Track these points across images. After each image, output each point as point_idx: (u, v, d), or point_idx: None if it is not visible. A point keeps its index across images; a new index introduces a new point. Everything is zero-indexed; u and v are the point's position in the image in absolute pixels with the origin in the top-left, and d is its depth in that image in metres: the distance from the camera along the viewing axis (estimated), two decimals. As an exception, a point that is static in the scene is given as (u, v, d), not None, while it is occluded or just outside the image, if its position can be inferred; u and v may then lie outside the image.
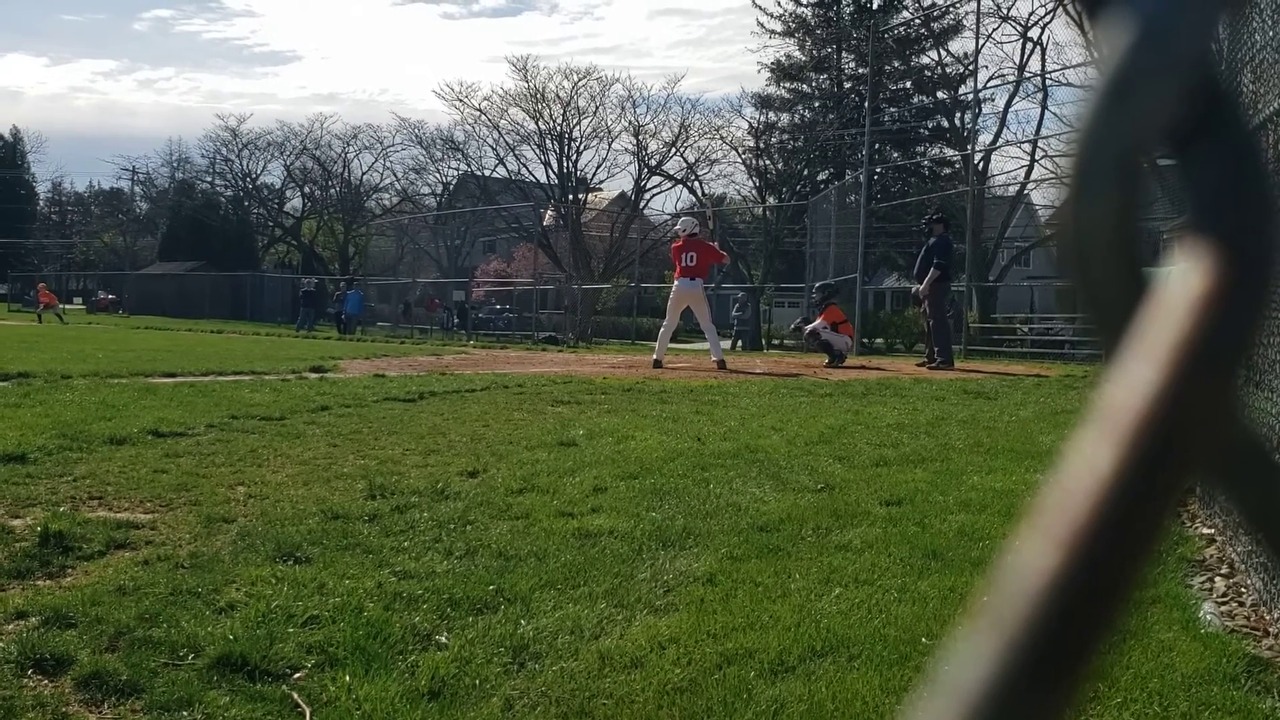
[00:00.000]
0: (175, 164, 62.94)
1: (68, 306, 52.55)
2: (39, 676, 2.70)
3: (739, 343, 31.53)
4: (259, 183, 59.64)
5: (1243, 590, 3.47)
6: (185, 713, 2.50)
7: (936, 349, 14.64)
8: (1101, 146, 0.27)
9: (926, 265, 14.59)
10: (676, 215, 16.98)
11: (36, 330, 25.40)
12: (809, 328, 15.88)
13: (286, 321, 39.57)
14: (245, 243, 58.87)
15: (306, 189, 58.49)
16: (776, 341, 33.91)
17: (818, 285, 16.21)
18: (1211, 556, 3.90)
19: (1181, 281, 0.27)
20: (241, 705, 2.54)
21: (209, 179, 60.84)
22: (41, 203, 75.10)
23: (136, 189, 66.69)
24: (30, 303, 51.83)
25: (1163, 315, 0.27)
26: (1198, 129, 0.28)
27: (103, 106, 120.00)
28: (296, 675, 2.74)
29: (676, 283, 14.12)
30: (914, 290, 15.19)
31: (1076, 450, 0.26)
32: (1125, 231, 0.27)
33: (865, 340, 26.91)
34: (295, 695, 2.61)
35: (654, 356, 14.09)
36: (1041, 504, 0.27)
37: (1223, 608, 3.33)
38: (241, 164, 58.58)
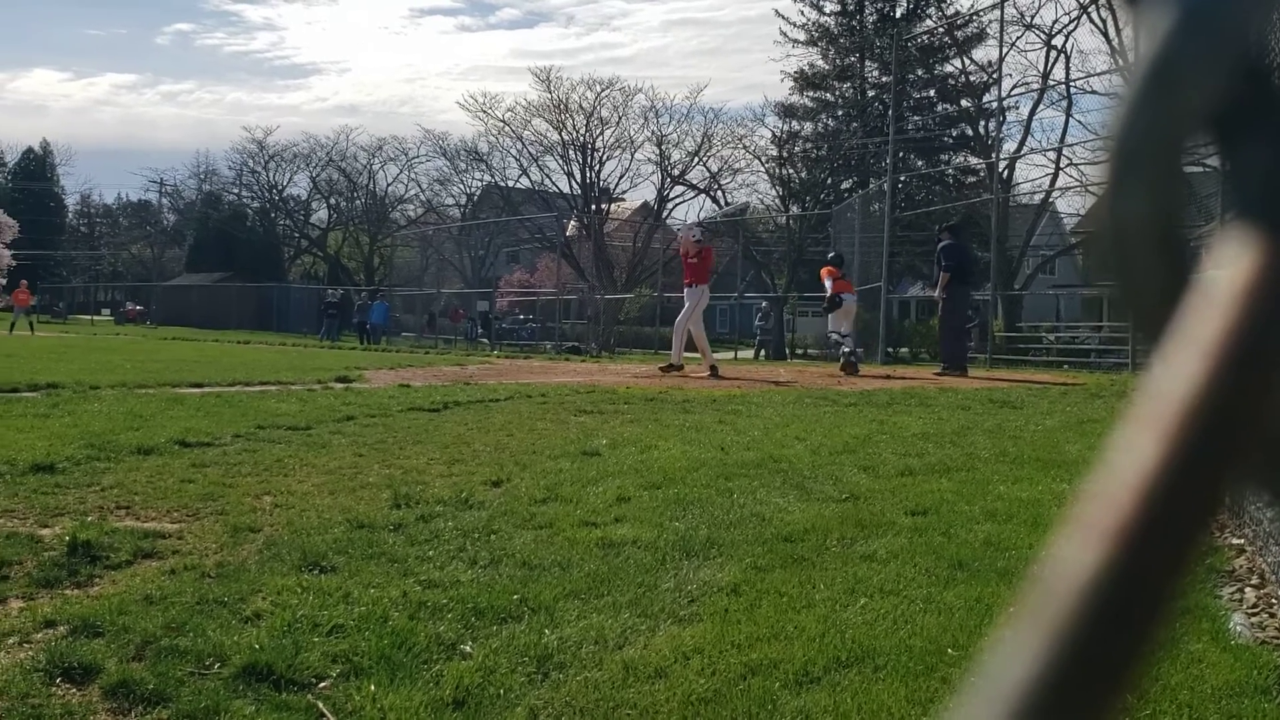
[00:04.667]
0: (202, 176, 63.61)
1: (95, 318, 53.00)
2: (67, 685, 2.72)
3: (763, 352, 31.47)
4: (285, 194, 60.22)
5: (1273, 601, 3.43)
6: (211, 721, 2.51)
7: (943, 355, 14.98)
8: (1143, 135, 0.26)
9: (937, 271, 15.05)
10: (701, 224, 17.16)
11: (64, 341, 25.63)
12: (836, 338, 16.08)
13: (312, 332, 39.80)
14: (271, 254, 59.32)
15: (332, 200, 59.00)
16: (800, 350, 33.84)
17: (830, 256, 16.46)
18: (1241, 567, 3.86)
19: (1227, 271, 0.26)
20: (267, 714, 2.55)
21: (236, 191, 61.45)
22: (70, 215, 75.93)
23: (164, 201, 67.39)
24: (60, 314, 52.43)
25: (1207, 307, 0.26)
26: (1244, 115, 0.27)
27: (127, 119, 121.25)
28: (322, 685, 2.74)
29: (695, 289, 14.47)
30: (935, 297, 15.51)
31: (1120, 445, 0.26)
32: (1167, 223, 0.27)
33: (890, 350, 26.81)
34: (320, 705, 2.61)
35: (709, 362, 14.51)
36: (1084, 500, 0.26)
37: (1253, 619, 3.29)
38: (268, 176, 59.20)
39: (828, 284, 15.47)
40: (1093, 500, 0.26)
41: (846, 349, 15.40)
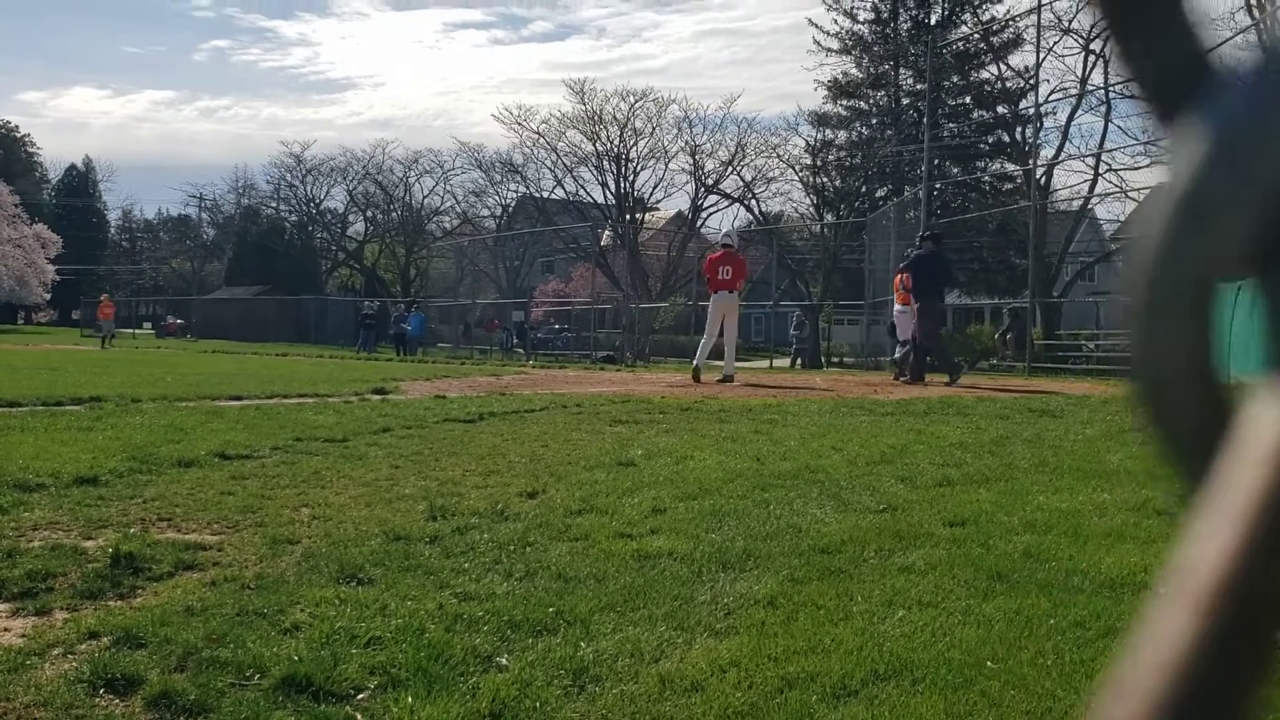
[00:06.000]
0: (241, 190, 64.35)
1: (137, 331, 53.71)
2: (110, 696, 2.75)
3: (799, 360, 31.36)
4: (322, 208, 60.76)
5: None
6: (251, 733, 2.53)
7: (910, 364, 14.76)
8: (1176, 269, 0.26)
9: (927, 283, 14.67)
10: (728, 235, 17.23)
11: (106, 355, 25.99)
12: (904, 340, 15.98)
13: (349, 344, 40.12)
14: (309, 267, 59.87)
15: (369, 213, 59.47)
16: (836, 359, 33.69)
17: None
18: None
19: (1266, 423, 0.26)
20: (306, 726, 2.57)
21: (274, 205, 62.09)
22: (112, 230, 77.07)
23: (203, 215, 68.24)
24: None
25: (1244, 463, 0.25)
26: None
27: (165, 135, 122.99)
28: (360, 696, 2.76)
29: (716, 295, 14.63)
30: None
31: (1152, 619, 0.25)
32: (1203, 359, 0.26)
33: (927, 359, 26.58)
34: (359, 716, 2.63)
35: (694, 363, 14.66)
36: (1118, 677, 0.25)
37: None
38: (305, 189, 59.77)
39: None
40: (1124, 680, 0.25)
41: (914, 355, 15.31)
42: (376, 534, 4.45)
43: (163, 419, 8.38)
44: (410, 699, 2.69)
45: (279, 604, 3.45)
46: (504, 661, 2.99)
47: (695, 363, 14.65)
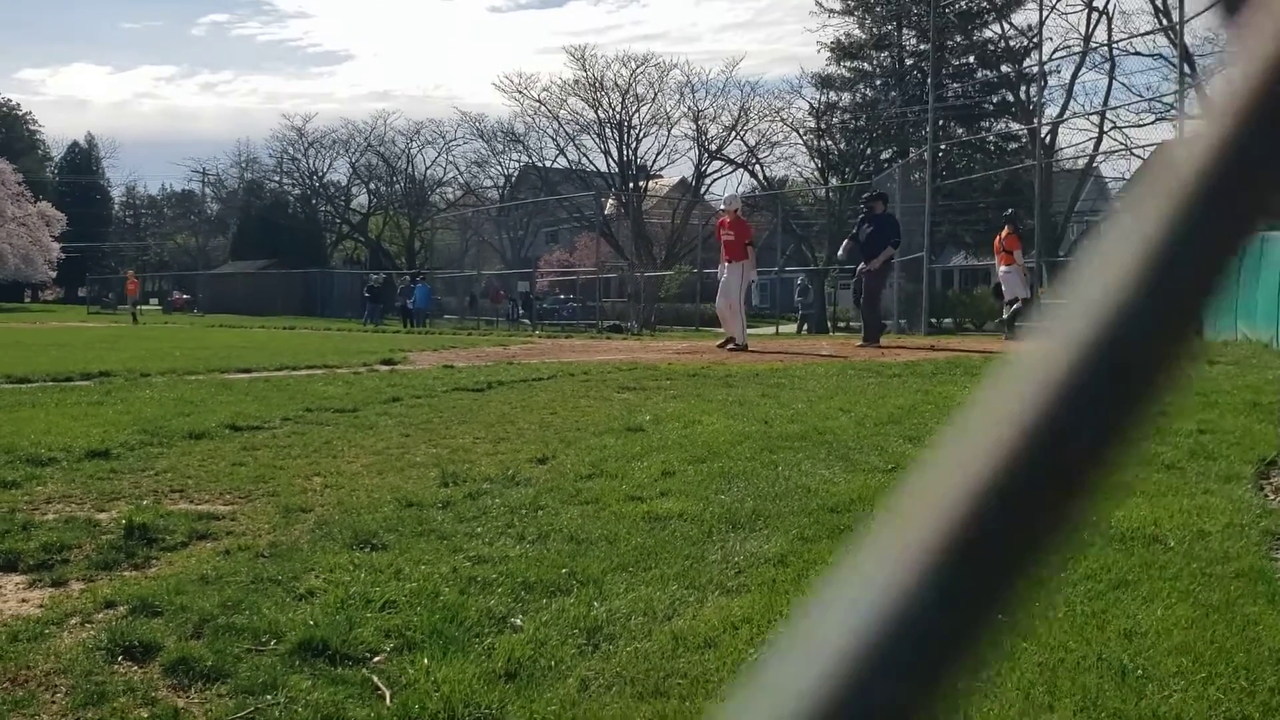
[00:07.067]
0: (244, 165, 64.14)
1: (144, 307, 53.76)
2: (128, 663, 2.78)
3: (804, 326, 31.31)
4: (325, 180, 60.60)
5: (1332, 563, 3.38)
6: (269, 696, 2.56)
7: (869, 327, 14.45)
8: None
9: (878, 243, 14.26)
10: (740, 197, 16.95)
11: (116, 330, 26.03)
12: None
13: (355, 317, 40.12)
14: (314, 240, 59.80)
15: (372, 185, 59.29)
16: (842, 324, 33.63)
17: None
18: (1298, 529, 3.80)
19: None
20: (323, 688, 2.59)
21: (277, 178, 61.94)
22: (116, 207, 76.98)
23: (207, 190, 68.12)
24: (109, 304, 53.17)
25: None
26: None
27: (166, 111, 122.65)
28: (376, 659, 2.78)
29: (726, 265, 14.25)
30: (860, 269, 14.83)
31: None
32: None
33: (934, 320, 26.58)
34: (375, 678, 2.65)
35: (736, 340, 13.93)
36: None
37: (1311, 581, 3.25)
38: (308, 162, 59.57)
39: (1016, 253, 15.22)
40: None
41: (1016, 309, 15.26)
42: (389, 501, 4.47)
43: (172, 392, 8.41)
44: (426, 660, 2.72)
45: (293, 571, 3.48)
46: (518, 622, 3.01)
47: (739, 341, 13.91)
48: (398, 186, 58.27)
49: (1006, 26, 37.05)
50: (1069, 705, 2.38)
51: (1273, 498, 4.26)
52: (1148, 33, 29.87)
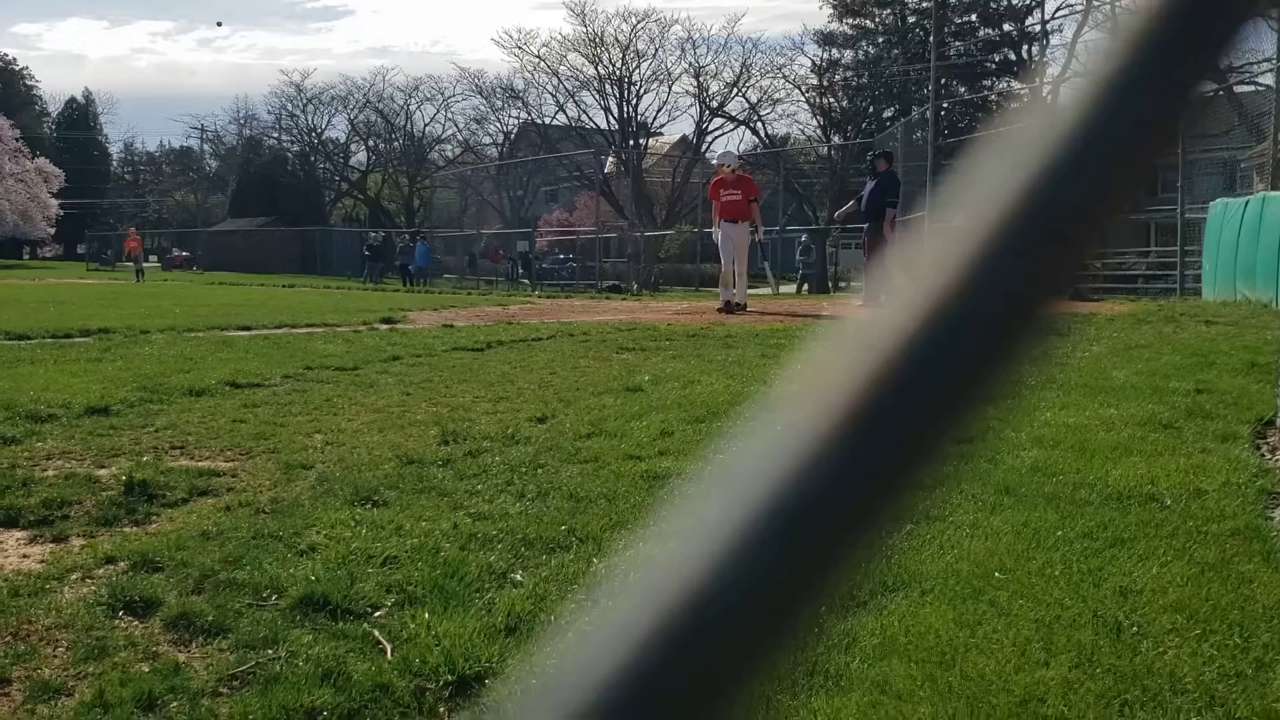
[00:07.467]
0: (242, 121, 63.70)
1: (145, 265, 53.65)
2: (129, 618, 2.80)
3: (805, 286, 31.26)
4: (324, 137, 60.24)
5: (1328, 522, 3.39)
6: (271, 651, 2.58)
7: (876, 288, 14.16)
8: None
9: (877, 201, 13.96)
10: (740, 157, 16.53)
11: (115, 287, 25.98)
12: None
13: (354, 275, 40.04)
14: (313, 198, 59.50)
15: (371, 142, 58.94)
16: (843, 284, 33.58)
17: None
18: (1295, 489, 3.81)
19: None
20: (325, 643, 2.61)
21: (275, 135, 61.56)
22: (114, 163, 76.53)
23: (205, 147, 67.70)
24: (108, 261, 53.03)
25: None
26: None
27: (163, 66, 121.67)
28: (377, 614, 2.80)
29: (722, 224, 13.62)
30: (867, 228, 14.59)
31: None
32: None
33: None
34: (376, 633, 2.67)
35: (736, 300, 13.46)
36: None
37: (1307, 540, 3.26)
38: (307, 119, 59.19)
39: None
40: None
41: None
42: (390, 458, 4.48)
43: (172, 349, 8.41)
44: (427, 615, 2.73)
45: (294, 527, 3.49)
46: (518, 578, 3.03)
47: (737, 299, 13.43)
48: (396, 144, 57.95)
49: (1011, -16, 36.72)
50: (1064, 661, 2.40)
51: (1269, 457, 4.27)
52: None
